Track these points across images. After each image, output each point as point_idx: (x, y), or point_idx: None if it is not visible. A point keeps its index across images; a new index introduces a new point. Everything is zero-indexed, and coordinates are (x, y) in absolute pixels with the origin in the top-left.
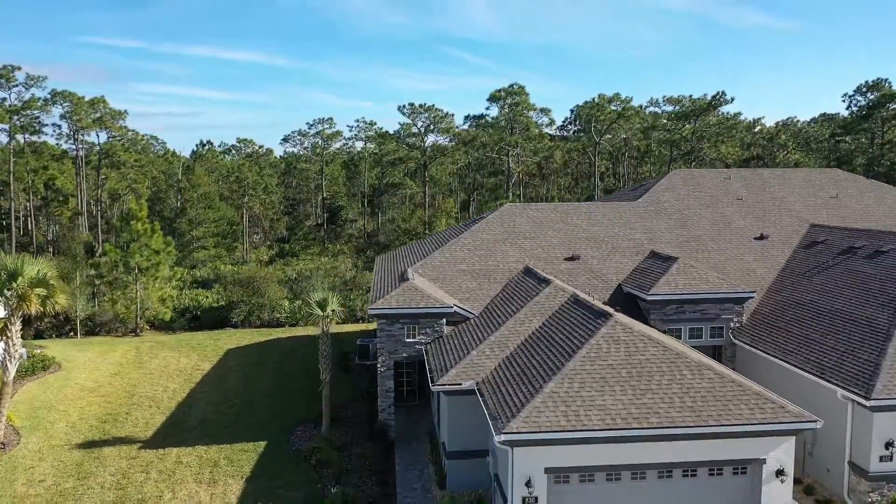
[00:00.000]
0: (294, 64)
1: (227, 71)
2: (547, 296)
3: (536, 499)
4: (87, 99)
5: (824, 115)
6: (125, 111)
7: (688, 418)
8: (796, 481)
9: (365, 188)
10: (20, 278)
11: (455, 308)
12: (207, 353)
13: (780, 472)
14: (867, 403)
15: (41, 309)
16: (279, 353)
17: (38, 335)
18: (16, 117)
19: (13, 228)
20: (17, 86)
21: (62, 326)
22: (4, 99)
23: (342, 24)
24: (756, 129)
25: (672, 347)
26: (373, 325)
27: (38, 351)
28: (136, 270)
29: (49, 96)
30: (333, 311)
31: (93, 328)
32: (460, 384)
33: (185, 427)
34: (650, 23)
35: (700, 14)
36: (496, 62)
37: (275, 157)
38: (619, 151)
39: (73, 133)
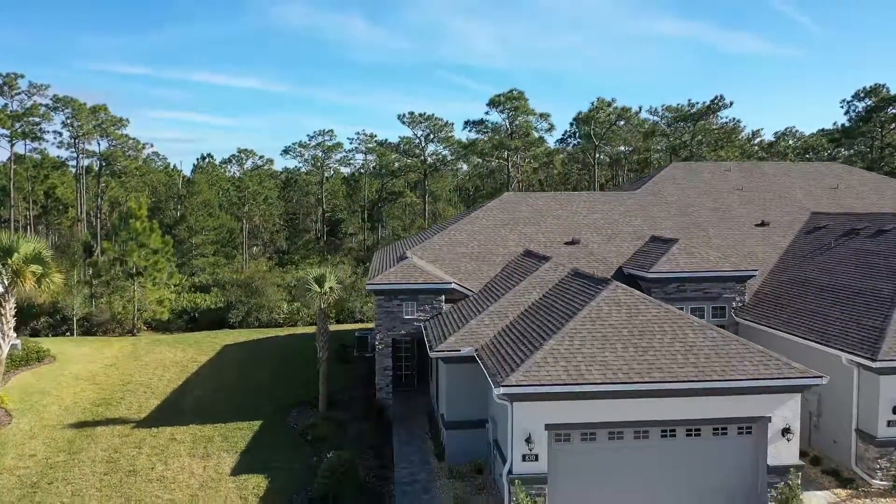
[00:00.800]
0: (294, 90)
1: (229, 97)
2: (547, 270)
3: (537, 456)
4: (88, 106)
5: (822, 130)
6: (126, 119)
7: (691, 373)
8: (802, 454)
9: (365, 202)
10: (15, 254)
11: (454, 285)
12: (204, 348)
13: (786, 431)
14: (874, 365)
15: (36, 287)
16: (277, 348)
17: (35, 334)
18: (18, 124)
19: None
20: (19, 93)
21: (58, 326)
22: (6, 105)
23: (343, 52)
24: (756, 141)
25: (674, 310)
26: (371, 325)
27: (34, 344)
28: (134, 270)
29: (51, 102)
30: (331, 288)
31: (89, 328)
32: (459, 350)
33: (179, 409)
34: (649, 49)
35: (698, 41)
36: (496, 88)
37: (274, 170)
38: (619, 162)
39: (74, 141)
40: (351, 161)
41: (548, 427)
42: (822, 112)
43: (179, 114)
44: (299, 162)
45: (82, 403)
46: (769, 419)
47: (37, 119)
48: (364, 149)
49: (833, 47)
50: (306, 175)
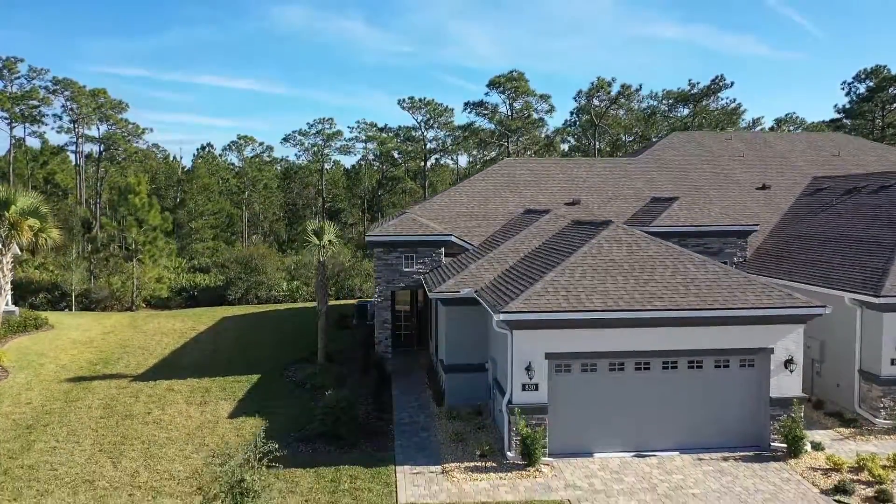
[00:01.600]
0: (294, 92)
1: (229, 99)
2: (547, 221)
3: (537, 386)
4: (87, 89)
5: (823, 122)
6: (126, 103)
7: (693, 303)
8: (805, 398)
9: (365, 193)
10: (12, 207)
11: (453, 237)
12: (203, 319)
13: (788, 363)
14: (877, 301)
15: (33, 240)
16: (276, 318)
17: (33, 309)
18: (18, 108)
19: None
20: (19, 77)
21: (57, 302)
22: (6, 87)
23: (343, 54)
24: (757, 129)
25: (675, 247)
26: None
27: (31, 312)
28: (133, 246)
29: (50, 84)
30: (329, 241)
31: (88, 305)
32: (458, 291)
33: (177, 367)
34: (649, 52)
35: (698, 43)
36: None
37: (274, 156)
38: (620, 150)
39: (74, 124)
40: (351, 149)
41: (548, 356)
42: (821, 110)
43: (179, 115)
44: (299, 150)
45: (79, 362)
46: (771, 350)
47: (36, 102)
48: (364, 137)
49: (834, 47)
50: (307, 164)
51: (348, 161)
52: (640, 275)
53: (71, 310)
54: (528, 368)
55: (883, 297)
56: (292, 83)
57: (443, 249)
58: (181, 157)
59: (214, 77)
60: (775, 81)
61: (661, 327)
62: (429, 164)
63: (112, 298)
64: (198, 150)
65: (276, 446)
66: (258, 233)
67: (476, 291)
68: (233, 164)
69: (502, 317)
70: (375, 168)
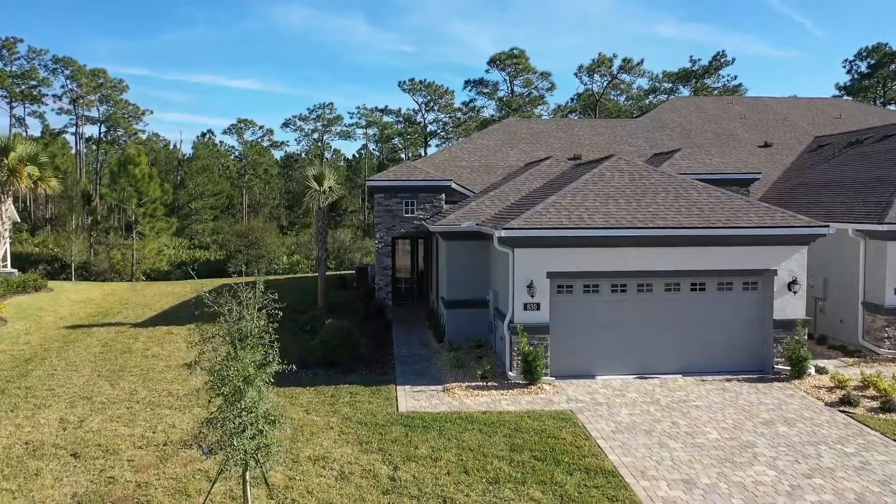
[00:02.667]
0: (293, 92)
1: (230, 99)
2: (549, 164)
3: (538, 305)
4: (88, 68)
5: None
6: (126, 83)
7: (695, 222)
8: (808, 336)
9: (365, 180)
10: (11, 153)
11: (453, 183)
12: (204, 286)
13: (792, 284)
14: (881, 229)
15: (32, 188)
16: (277, 284)
17: None
18: (18, 88)
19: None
20: (19, 58)
21: (57, 274)
22: (6, 66)
23: (344, 53)
24: None
25: (677, 176)
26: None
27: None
28: (133, 218)
29: (50, 63)
30: (330, 188)
31: (87, 277)
32: (459, 224)
33: (177, 317)
34: (648, 50)
35: (698, 42)
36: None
37: (275, 140)
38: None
39: (74, 105)
40: (351, 134)
41: (550, 275)
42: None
43: (179, 115)
44: (299, 136)
45: (79, 315)
46: (775, 272)
47: (34, 82)
48: (364, 122)
49: (834, 47)
50: (307, 153)
51: (349, 150)
52: (643, 198)
53: (71, 280)
54: (530, 286)
55: (887, 223)
56: (292, 83)
57: (443, 195)
58: (181, 143)
59: (214, 76)
60: (775, 79)
61: (663, 247)
62: (429, 151)
63: (112, 271)
64: (198, 137)
65: (276, 296)
66: (258, 217)
67: (477, 224)
68: (233, 148)
69: (503, 233)
70: (375, 157)
